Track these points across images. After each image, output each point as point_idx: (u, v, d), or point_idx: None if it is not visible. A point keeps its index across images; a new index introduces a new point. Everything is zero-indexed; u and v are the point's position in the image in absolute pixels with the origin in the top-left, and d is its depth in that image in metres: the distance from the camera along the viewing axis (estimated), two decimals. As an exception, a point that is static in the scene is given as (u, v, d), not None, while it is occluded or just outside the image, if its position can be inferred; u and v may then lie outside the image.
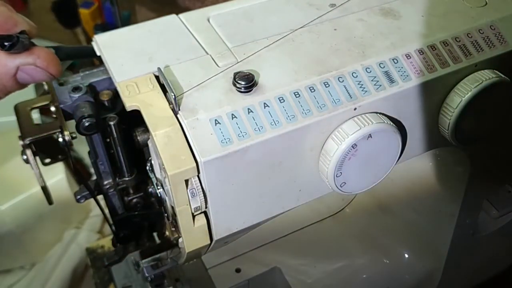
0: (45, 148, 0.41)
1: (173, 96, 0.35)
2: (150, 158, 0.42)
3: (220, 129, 0.36)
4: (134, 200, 0.47)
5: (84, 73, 0.42)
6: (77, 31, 1.26)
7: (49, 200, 0.43)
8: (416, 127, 0.44)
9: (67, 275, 0.84)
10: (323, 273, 0.68)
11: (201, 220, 0.38)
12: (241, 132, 0.36)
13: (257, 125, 0.36)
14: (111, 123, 0.40)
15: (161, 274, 0.58)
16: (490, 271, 0.72)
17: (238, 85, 0.37)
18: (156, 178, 0.42)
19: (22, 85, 0.36)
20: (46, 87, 0.41)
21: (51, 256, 0.86)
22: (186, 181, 0.36)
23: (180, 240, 0.40)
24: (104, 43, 0.41)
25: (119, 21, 1.14)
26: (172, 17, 0.44)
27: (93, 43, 0.42)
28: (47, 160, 0.43)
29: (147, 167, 0.43)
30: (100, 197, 0.46)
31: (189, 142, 0.35)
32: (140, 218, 0.48)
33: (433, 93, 0.42)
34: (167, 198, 0.40)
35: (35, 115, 0.79)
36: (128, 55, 0.40)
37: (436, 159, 0.58)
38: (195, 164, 0.34)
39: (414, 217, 0.65)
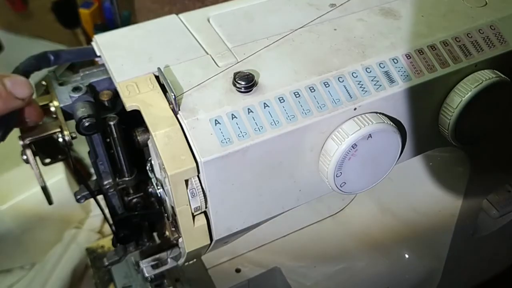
0: (45, 148, 0.41)
1: (173, 96, 0.35)
2: (150, 158, 0.42)
3: (220, 129, 0.36)
4: (134, 200, 0.47)
5: (84, 73, 0.42)
6: (77, 31, 1.26)
7: (49, 200, 0.43)
8: (416, 127, 0.44)
9: (67, 275, 0.84)
10: (323, 273, 0.68)
11: (201, 220, 0.38)
12: (241, 132, 0.36)
13: (257, 125, 0.36)
14: (111, 123, 0.40)
15: (161, 274, 0.58)
16: (490, 271, 0.72)
17: (238, 85, 0.37)
18: (156, 178, 0.42)
19: None
20: (46, 87, 0.41)
21: (51, 256, 0.86)
22: (186, 181, 0.36)
23: (180, 240, 0.40)
24: (104, 43, 0.41)
25: (119, 21, 1.13)
26: (172, 17, 0.44)
27: (93, 43, 0.42)
28: (47, 160, 0.43)
29: (147, 167, 0.43)
30: (100, 197, 0.46)
31: (189, 142, 0.35)
32: (140, 218, 0.47)
33: (433, 93, 0.42)
34: (167, 198, 0.40)
35: (35, 115, 0.79)
36: (128, 55, 0.40)
37: (436, 159, 0.58)
38: (195, 164, 0.34)
39: (414, 217, 0.65)
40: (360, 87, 0.39)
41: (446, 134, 0.44)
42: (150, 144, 0.40)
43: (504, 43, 0.44)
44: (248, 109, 0.37)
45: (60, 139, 0.39)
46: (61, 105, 0.39)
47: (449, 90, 0.43)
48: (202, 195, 0.37)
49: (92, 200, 0.45)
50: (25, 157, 0.39)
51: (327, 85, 0.38)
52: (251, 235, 0.47)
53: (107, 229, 0.91)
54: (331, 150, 0.38)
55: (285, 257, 0.68)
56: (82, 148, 0.87)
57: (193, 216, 0.38)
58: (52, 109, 0.40)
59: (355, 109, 0.39)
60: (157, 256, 0.49)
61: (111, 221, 0.48)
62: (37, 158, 0.40)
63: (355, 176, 0.40)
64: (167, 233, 0.48)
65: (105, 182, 0.45)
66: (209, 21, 0.43)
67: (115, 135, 0.41)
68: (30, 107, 0.37)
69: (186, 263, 0.47)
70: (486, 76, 0.42)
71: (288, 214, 0.43)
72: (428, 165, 0.59)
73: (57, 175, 0.85)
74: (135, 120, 0.38)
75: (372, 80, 0.39)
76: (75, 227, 0.91)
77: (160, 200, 0.41)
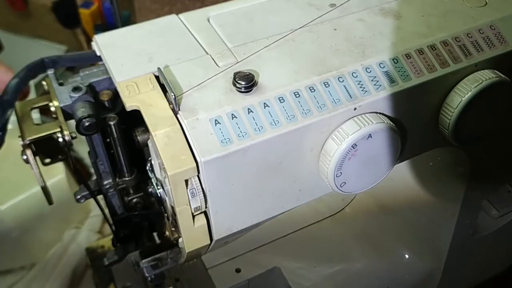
0: (45, 148, 0.41)
1: (173, 96, 0.35)
2: (150, 158, 0.42)
3: (220, 129, 0.36)
4: (134, 200, 0.47)
5: (84, 73, 0.42)
6: (77, 31, 1.26)
7: (49, 200, 0.43)
8: (416, 127, 0.44)
9: (67, 275, 0.84)
10: (323, 273, 0.68)
11: (201, 220, 0.38)
12: (241, 132, 0.36)
13: (257, 125, 0.36)
14: (111, 123, 0.40)
15: (161, 274, 0.58)
16: (490, 271, 0.72)
17: (238, 85, 0.37)
18: (156, 178, 0.42)
19: None
20: (46, 87, 0.41)
21: (51, 256, 0.86)
22: (186, 181, 0.36)
23: (180, 240, 0.40)
24: (104, 43, 0.41)
25: (119, 21, 1.14)
26: (172, 17, 0.44)
27: (93, 43, 0.42)
28: (47, 160, 0.43)
29: (147, 167, 0.43)
30: (100, 197, 0.46)
31: (189, 142, 0.35)
32: (140, 218, 0.47)
33: (433, 93, 0.42)
34: (167, 198, 0.40)
35: (35, 115, 0.79)
36: (128, 55, 0.40)
37: (436, 159, 0.58)
38: (195, 164, 0.34)
39: (414, 217, 0.65)
40: (360, 87, 0.39)
41: (446, 134, 0.44)
42: (150, 144, 0.40)
43: (504, 43, 0.44)
44: (248, 109, 0.37)
45: (60, 139, 0.39)
46: (61, 105, 0.39)
47: (449, 90, 0.43)
48: (202, 195, 0.37)
49: (92, 200, 0.45)
50: (25, 157, 0.39)
51: (327, 85, 0.38)
52: (251, 235, 0.47)
53: (107, 229, 0.91)
54: (331, 150, 0.38)
55: (285, 257, 0.68)
56: (82, 148, 0.87)
57: (193, 216, 0.38)
58: (52, 109, 0.40)
59: (355, 109, 0.39)
60: (157, 256, 0.49)
61: (111, 221, 0.48)
62: (37, 158, 0.40)
63: (355, 176, 0.40)
64: (167, 233, 0.48)
65: (105, 182, 0.45)
66: (209, 21, 0.43)
67: (115, 135, 0.41)
68: None
69: (186, 263, 0.47)
70: (486, 76, 0.42)
71: (288, 214, 0.43)
72: (428, 165, 0.59)
73: (57, 175, 0.86)
74: (135, 120, 0.38)
75: (372, 80, 0.39)
76: (75, 227, 0.91)
77: (160, 200, 0.41)
